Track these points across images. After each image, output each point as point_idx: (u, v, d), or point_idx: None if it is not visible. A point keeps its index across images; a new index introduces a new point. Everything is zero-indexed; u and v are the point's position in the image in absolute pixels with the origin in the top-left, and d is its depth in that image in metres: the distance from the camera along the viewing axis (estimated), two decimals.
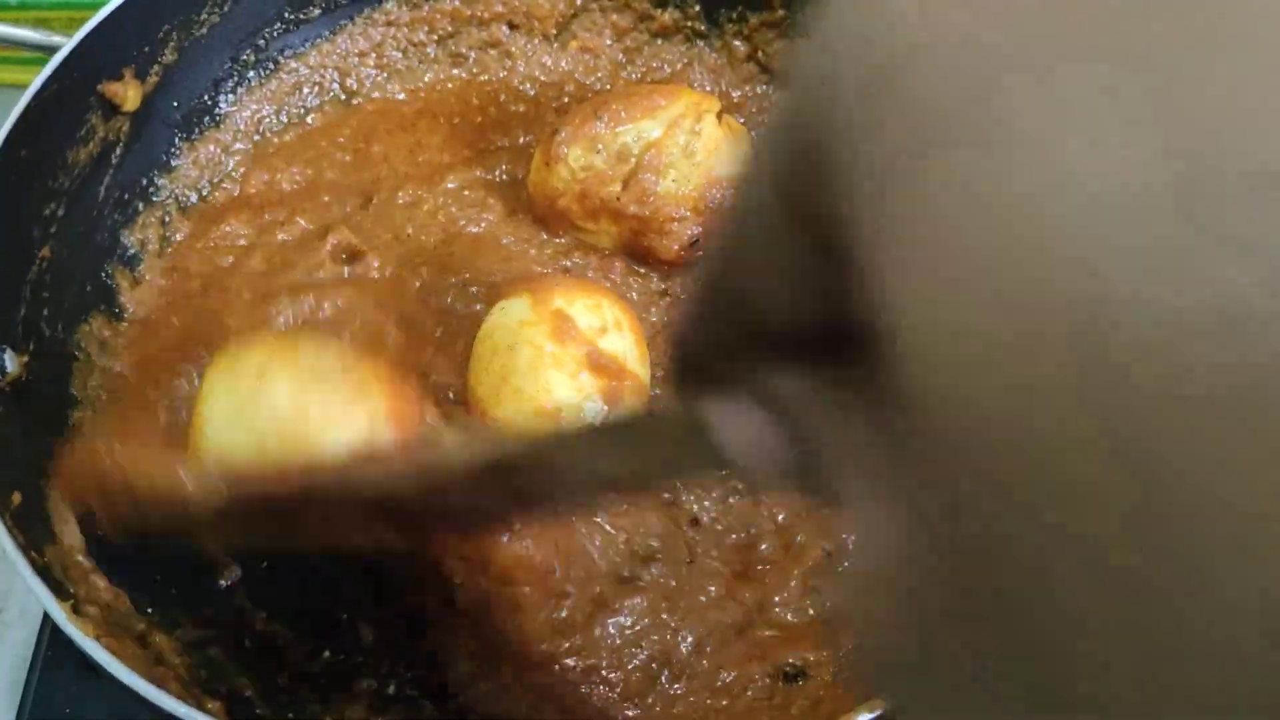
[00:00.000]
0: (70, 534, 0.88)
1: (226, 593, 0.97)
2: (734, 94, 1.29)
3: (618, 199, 1.08)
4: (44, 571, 0.80)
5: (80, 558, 0.88)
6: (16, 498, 0.85)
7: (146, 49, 1.10)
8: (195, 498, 0.71)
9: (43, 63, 1.01)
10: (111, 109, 1.07)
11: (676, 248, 1.08)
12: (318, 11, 1.24)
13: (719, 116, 1.11)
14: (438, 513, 0.72)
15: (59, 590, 0.79)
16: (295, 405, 0.81)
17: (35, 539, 0.84)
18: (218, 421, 0.84)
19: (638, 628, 0.94)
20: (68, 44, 1.01)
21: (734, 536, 0.98)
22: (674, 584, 0.96)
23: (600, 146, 1.08)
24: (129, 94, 1.07)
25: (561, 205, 1.10)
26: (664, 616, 0.94)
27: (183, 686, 0.83)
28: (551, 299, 0.99)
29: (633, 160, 1.08)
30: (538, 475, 0.60)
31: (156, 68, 1.11)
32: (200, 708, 0.76)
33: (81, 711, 1.03)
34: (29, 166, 0.98)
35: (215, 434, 0.84)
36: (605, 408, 0.96)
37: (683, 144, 1.08)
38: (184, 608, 0.93)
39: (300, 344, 0.89)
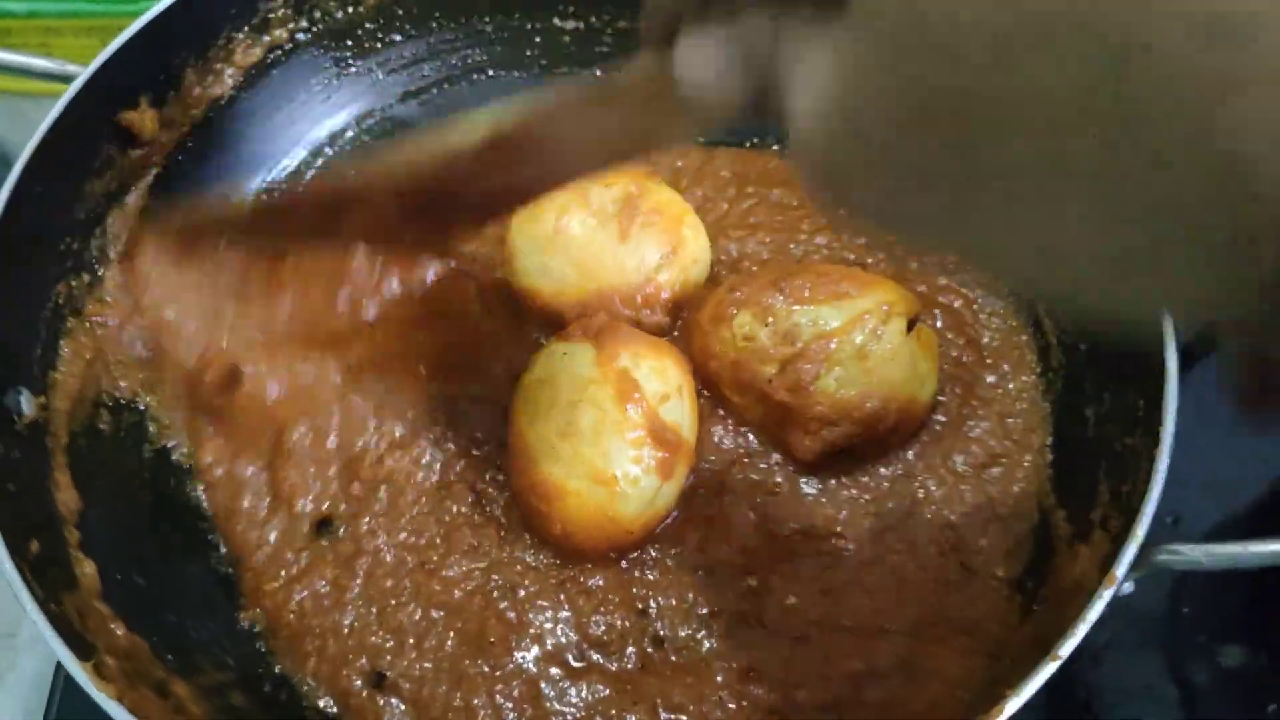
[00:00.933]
0: (89, 579, 0.88)
1: (246, 636, 0.96)
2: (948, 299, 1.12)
3: (769, 381, 0.98)
4: (63, 624, 0.79)
5: (98, 603, 0.88)
6: (35, 545, 0.84)
7: (162, 76, 1.08)
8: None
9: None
10: (129, 138, 1.05)
11: (815, 451, 0.98)
12: None
13: (911, 324, 1.01)
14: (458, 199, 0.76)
15: (79, 647, 0.78)
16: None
17: (53, 588, 0.83)
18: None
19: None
20: (83, 73, 0.99)
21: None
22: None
23: (770, 320, 0.99)
24: (146, 123, 1.05)
25: (713, 368, 1.02)
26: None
27: None
28: (618, 355, 0.96)
29: (799, 344, 0.98)
30: (533, 148, 0.68)
31: (174, 94, 1.09)
32: None
33: None
34: (45, 201, 0.97)
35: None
36: (660, 481, 0.94)
37: (858, 343, 0.97)
38: (203, 651, 0.93)
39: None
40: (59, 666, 1.07)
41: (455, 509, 1.00)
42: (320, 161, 1.23)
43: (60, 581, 0.86)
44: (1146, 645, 1.09)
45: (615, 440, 0.93)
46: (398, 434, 1.03)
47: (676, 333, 1.08)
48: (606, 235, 1.05)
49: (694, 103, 0.53)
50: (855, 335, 0.97)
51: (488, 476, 1.02)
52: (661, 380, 0.96)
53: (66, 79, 1.00)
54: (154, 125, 1.06)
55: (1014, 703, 0.75)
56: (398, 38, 1.26)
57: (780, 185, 1.20)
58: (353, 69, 1.25)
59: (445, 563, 0.98)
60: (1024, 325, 1.09)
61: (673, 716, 0.91)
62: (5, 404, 0.90)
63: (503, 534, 0.99)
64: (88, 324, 1.02)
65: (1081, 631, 0.77)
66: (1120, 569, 0.80)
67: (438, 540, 0.99)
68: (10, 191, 0.92)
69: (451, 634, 0.95)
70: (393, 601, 0.96)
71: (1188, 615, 1.12)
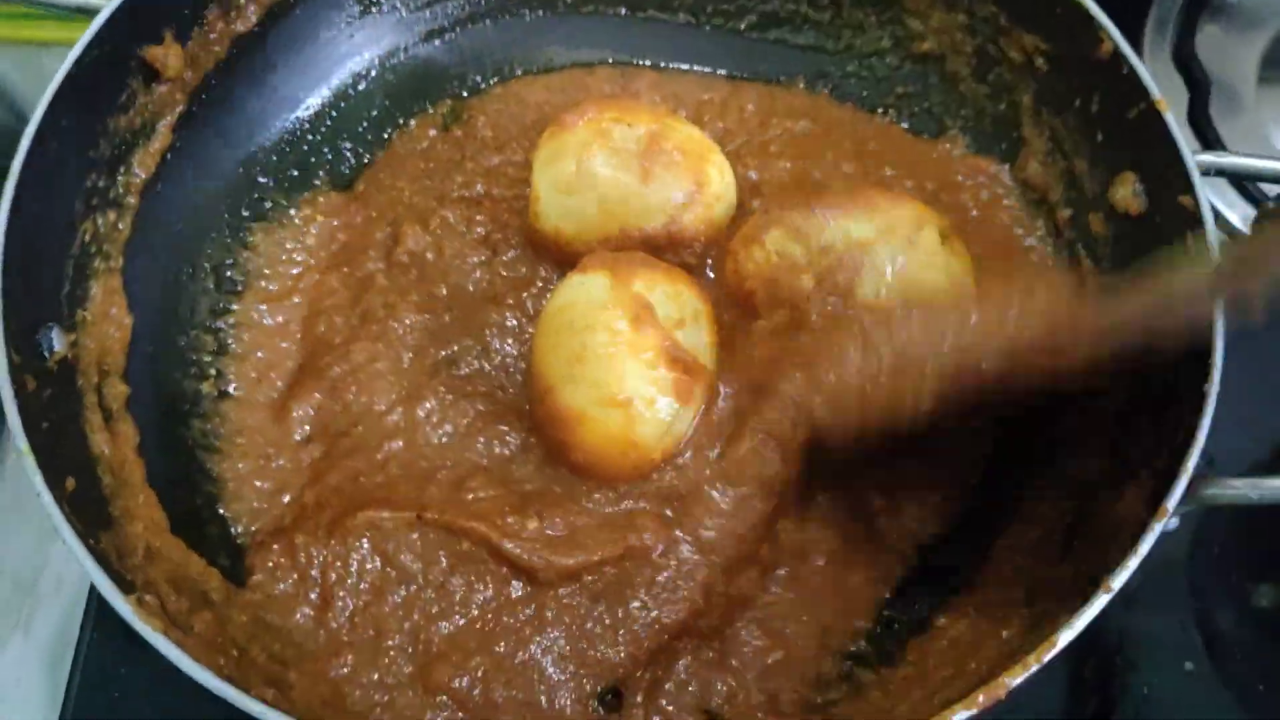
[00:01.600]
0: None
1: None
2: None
3: (808, 295, 0.97)
4: (103, 560, 0.79)
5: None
6: (71, 483, 0.83)
7: (186, 11, 1.06)
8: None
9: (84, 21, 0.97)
10: (153, 74, 1.03)
11: None
12: None
13: (944, 235, 1.00)
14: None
15: (120, 582, 0.78)
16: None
17: (91, 525, 0.83)
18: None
19: None
20: (106, 7, 0.97)
21: None
22: None
23: (804, 235, 0.99)
24: (170, 58, 1.03)
25: (748, 288, 1.02)
26: None
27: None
28: (632, 282, 0.95)
29: (834, 255, 0.97)
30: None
31: (197, 30, 1.07)
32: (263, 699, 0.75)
33: (131, 687, 1.02)
34: (70, 135, 0.95)
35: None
36: (677, 404, 0.93)
37: (894, 249, 0.97)
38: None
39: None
40: (86, 613, 1.06)
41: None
42: (344, 104, 1.22)
43: (97, 520, 0.85)
44: (1176, 588, 1.10)
45: (630, 363, 0.91)
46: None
47: (711, 274, 1.07)
48: (630, 175, 1.03)
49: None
50: (890, 243, 0.97)
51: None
52: (677, 305, 0.95)
53: (90, 12, 0.98)
54: (178, 61, 1.04)
55: (1066, 635, 0.75)
56: None
57: (804, 117, 1.18)
58: (376, 6, 1.23)
59: None
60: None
61: None
62: (37, 341, 0.89)
63: None
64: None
65: (1133, 564, 0.78)
66: (1171, 502, 0.80)
67: None
68: (37, 125, 0.91)
69: None
70: None
71: (1217, 557, 1.12)
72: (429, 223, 1.12)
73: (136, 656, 1.02)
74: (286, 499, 0.99)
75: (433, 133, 1.20)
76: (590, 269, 0.98)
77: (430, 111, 1.22)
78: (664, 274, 0.98)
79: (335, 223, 1.15)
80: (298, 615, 0.92)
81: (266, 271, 1.11)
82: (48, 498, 0.78)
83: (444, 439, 1.00)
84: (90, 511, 0.85)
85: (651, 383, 0.92)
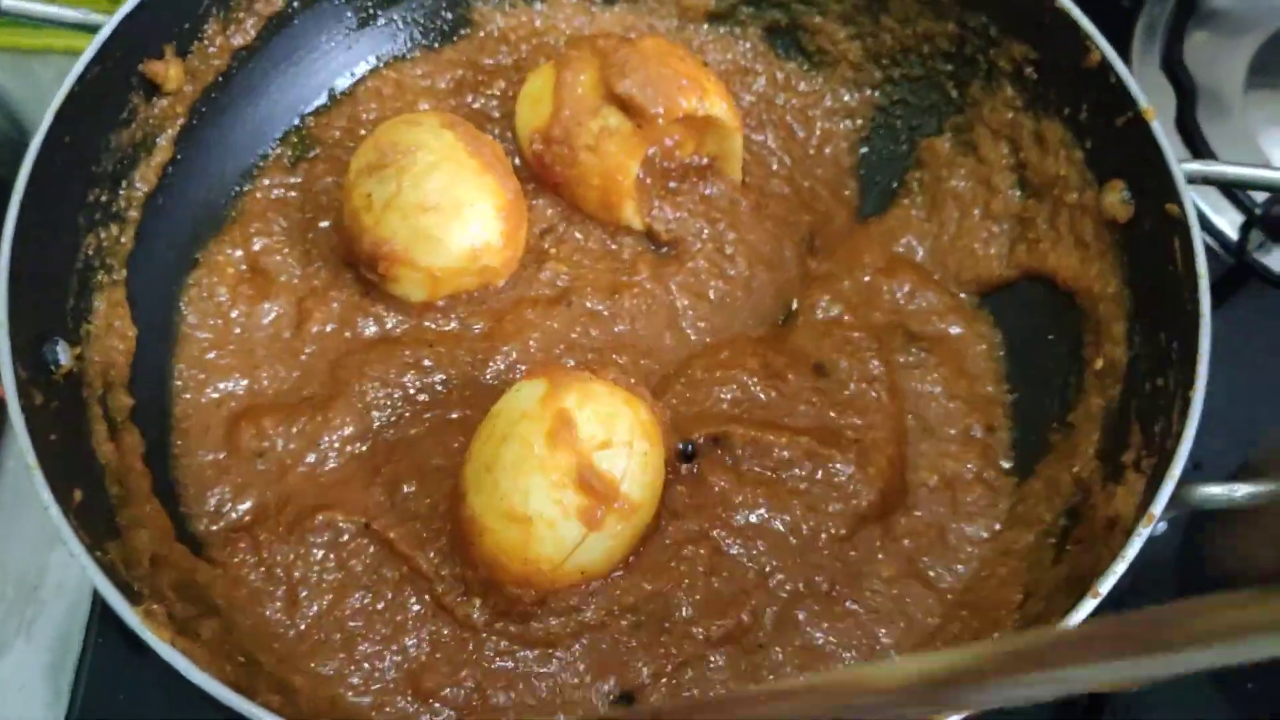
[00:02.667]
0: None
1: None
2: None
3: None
4: (111, 571, 0.80)
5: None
6: (78, 495, 0.84)
7: (186, 26, 1.07)
8: None
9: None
10: (154, 89, 1.04)
11: None
12: None
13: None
14: None
15: (127, 593, 0.79)
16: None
17: (98, 536, 0.84)
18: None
19: None
20: (108, 23, 0.98)
21: None
22: None
23: None
24: (170, 73, 1.04)
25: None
26: None
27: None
28: (565, 396, 0.90)
29: None
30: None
31: (197, 44, 1.08)
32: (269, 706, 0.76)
33: (134, 691, 1.03)
34: (73, 151, 0.96)
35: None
36: (583, 529, 0.89)
37: None
38: None
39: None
40: (90, 618, 1.07)
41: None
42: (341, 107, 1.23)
43: (105, 531, 0.86)
44: (1167, 589, 1.11)
45: (536, 478, 0.88)
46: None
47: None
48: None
49: None
50: None
51: None
52: (605, 427, 0.90)
53: (91, 29, 0.99)
54: (178, 75, 1.05)
55: None
56: None
57: None
58: (374, 17, 1.24)
59: None
60: None
61: None
62: (43, 355, 0.90)
63: None
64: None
65: (1120, 569, 0.79)
66: (1158, 507, 0.81)
67: None
68: (40, 143, 0.92)
69: None
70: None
71: (1206, 558, 1.13)
72: None
73: (139, 660, 1.03)
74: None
75: None
76: (531, 376, 0.96)
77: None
78: (607, 395, 0.93)
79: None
80: (267, 611, 0.94)
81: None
82: (56, 510, 0.79)
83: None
84: (98, 522, 0.86)
85: (555, 503, 0.89)
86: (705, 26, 1.26)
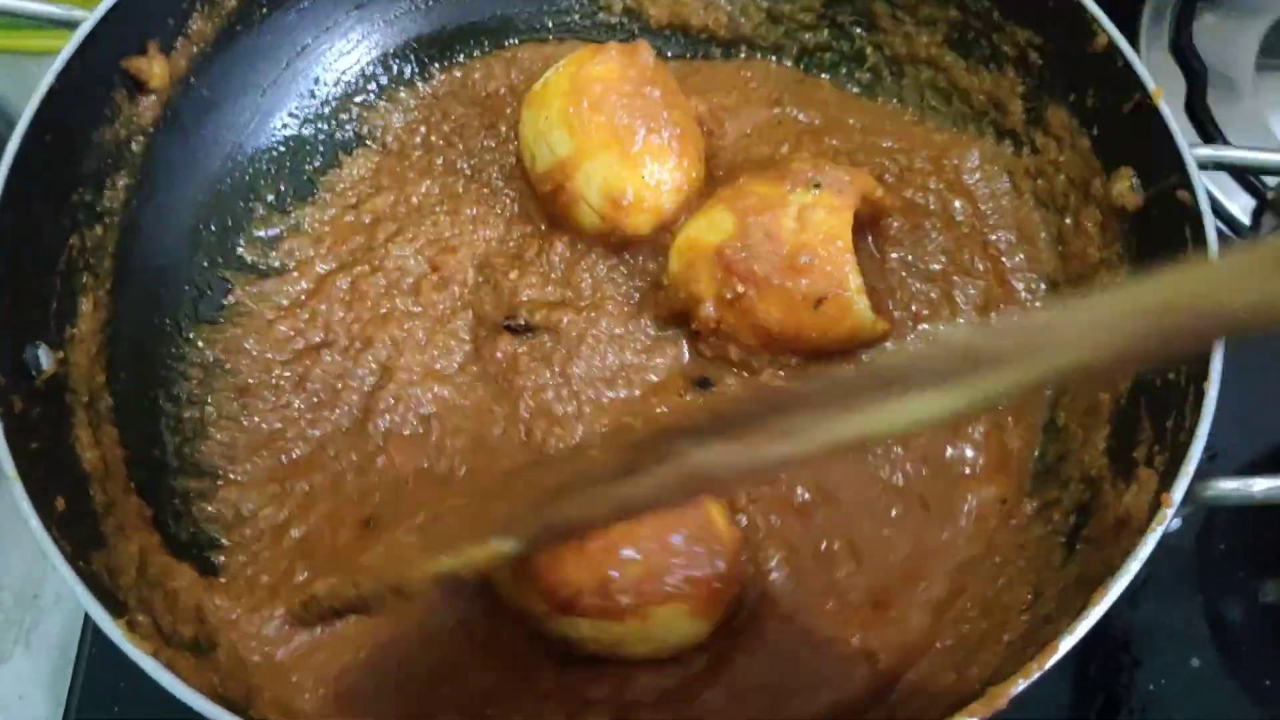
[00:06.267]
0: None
1: None
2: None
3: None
4: (94, 582, 0.78)
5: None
6: (61, 503, 0.82)
7: (170, 21, 1.05)
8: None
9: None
10: (138, 86, 1.02)
11: None
12: None
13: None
14: None
15: (110, 604, 0.77)
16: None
17: (82, 546, 0.82)
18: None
19: None
20: (89, 19, 0.96)
21: None
22: None
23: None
24: (154, 69, 1.02)
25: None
26: None
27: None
28: None
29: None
30: None
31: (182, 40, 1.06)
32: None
33: (132, 700, 1.03)
34: (54, 150, 0.94)
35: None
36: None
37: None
38: None
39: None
40: (85, 627, 1.07)
41: None
42: (331, 110, 1.21)
43: (89, 539, 0.84)
44: (1184, 584, 1.09)
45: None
46: None
47: None
48: None
49: None
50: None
51: None
52: None
53: (72, 24, 0.97)
54: (163, 72, 1.03)
55: (1068, 641, 0.74)
56: None
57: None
58: (366, 12, 1.22)
59: None
60: None
61: None
62: (24, 360, 0.88)
63: None
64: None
65: (1134, 568, 0.77)
66: (1173, 502, 0.79)
67: None
68: (20, 141, 0.89)
69: None
70: None
71: (1224, 552, 1.11)
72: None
73: (137, 669, 1.01)
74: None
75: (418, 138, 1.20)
76: None
77: None
78: None
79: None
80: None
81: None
82: (35, 523, 0.77)
83: None
84: (81, 531, 0.84)
85: None
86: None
